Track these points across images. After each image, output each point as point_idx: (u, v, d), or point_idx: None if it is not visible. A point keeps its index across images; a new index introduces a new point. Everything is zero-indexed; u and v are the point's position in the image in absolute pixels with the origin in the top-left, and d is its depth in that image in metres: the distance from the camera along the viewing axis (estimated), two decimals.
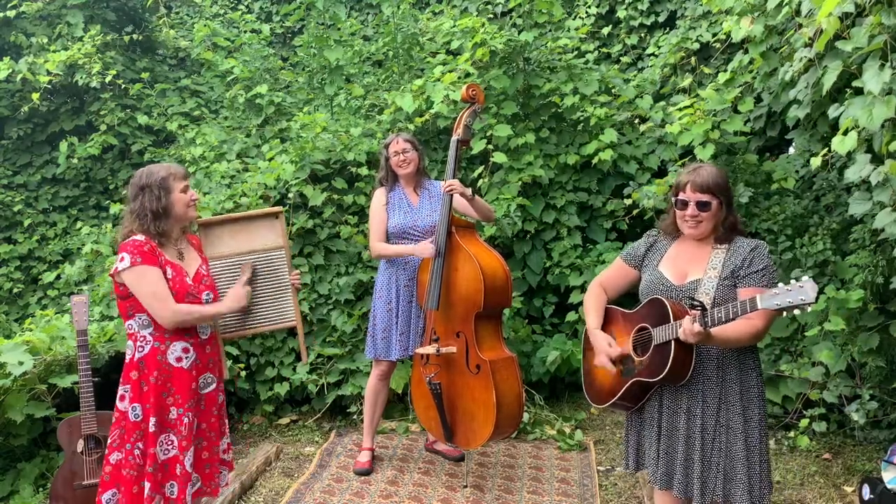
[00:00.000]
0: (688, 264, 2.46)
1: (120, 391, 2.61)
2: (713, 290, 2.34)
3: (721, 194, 2.40)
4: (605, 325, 2.63)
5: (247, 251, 2.97)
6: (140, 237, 2.55)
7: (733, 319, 2.18)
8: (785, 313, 2.06)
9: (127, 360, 2.61)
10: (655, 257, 2.56)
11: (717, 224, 2.42)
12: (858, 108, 2.49)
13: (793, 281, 2.03)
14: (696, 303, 2.24)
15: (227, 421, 2.86)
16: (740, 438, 2.35)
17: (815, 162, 2.87)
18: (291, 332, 4.68)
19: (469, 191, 3.54)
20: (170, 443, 2.60)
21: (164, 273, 2.56)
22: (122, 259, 2.51)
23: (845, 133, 2.61)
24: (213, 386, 2.75)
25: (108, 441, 2.61)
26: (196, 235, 2.89)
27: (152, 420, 2.55)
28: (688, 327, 2.19)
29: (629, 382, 2.45)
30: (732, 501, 2.35)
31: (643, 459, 2.56)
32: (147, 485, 2.54)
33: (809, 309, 2.01)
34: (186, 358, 2.63)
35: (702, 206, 2.39)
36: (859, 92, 2.57)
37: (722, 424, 2.37)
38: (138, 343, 2.58)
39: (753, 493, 2.34)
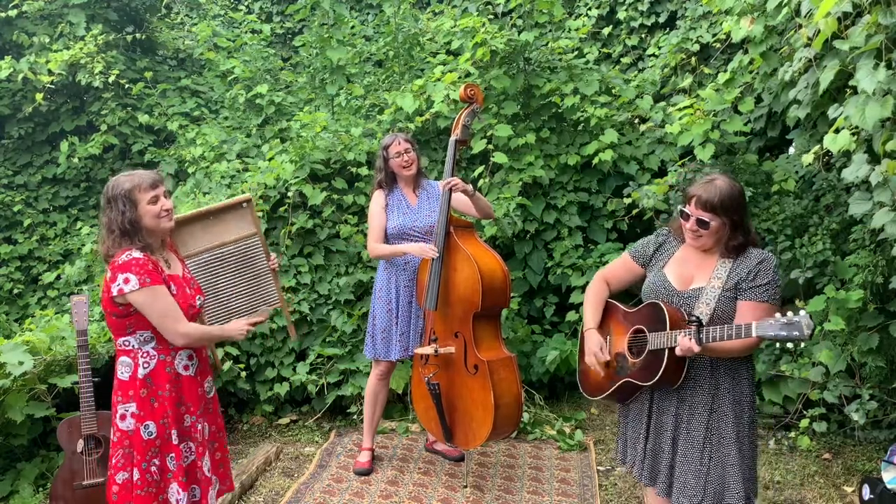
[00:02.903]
0: (693, 270, 2.45)
1: (120, 410, 2.50)
2: (714, 300, 2.34)
3: (726, 215, 2.34)
4: (604, 319, 2.64)
5: (222, 243, 2.96)
6: (138, 254, 2.44)
7: (727, 339, 2.21)
8: (778, 344, 2.09)
9: (126, 378, 2.50)
10: (663, 258, 2.55)
11: (718, 241, 2.40)
12: (852, 107, 2.50)
13: (790, 314, 2.05)
14: (692, 318, 2.25)
15: (222, 416, 2.86)
16: (734, 446, 2.36)
17: (807, 159, 2.87)
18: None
19: (470, 187, 3.53)
20: (189, 450, 2.58)
21: (169, 288, 2.50)
22: (128, 280, 2.39)
23: (837, 131, 2.61)
24: (213, 388, 2.75)
25: (113, 460, 2.52)
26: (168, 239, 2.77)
27: (174, 433, 2.51)
28: (684, 344, 2.21)
29: (621, 381, 2.47)
30: None
31: (627, 454, 2.59)
32: (185, 494, 2.52)
33: (803, 344, 2.05)
34: (192, 365, 2.61)
35: (701, 223, 2.36)
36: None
37: (713, 432, 2.38)
38: (142, 360, 2.50)
39: (747, 500, 2.35)
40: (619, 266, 2.70)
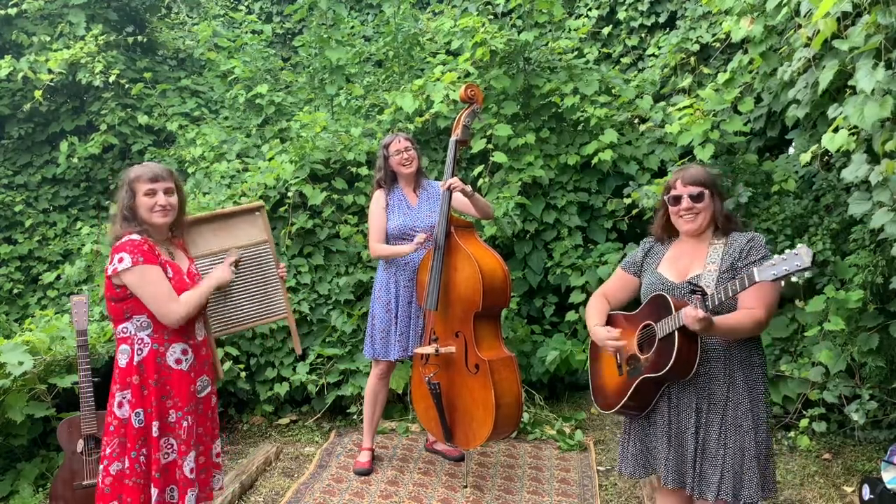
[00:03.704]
0: (687, 263, 2.47)
1: (118, 398, 2.53)
2: (713, 283, 2.34)
3: (713, 187, 2.45)
4: None
5: (231, 247, 2.97)
6: (136, 237, 2.50)
7: (734, 296, 2.19)
8: (783, 283, 2.05)
9: (123, 365, 2.54)
10: (654, 261, 2.57)
11: (713, 216, 2.44)
12: (851, 107, 2.50)
13: (787, 250, 2.03)
14: (696, 288, 2.24)
15: (218, 423, 2.84)
16: (751, 436, 2.35)
17: (805, 158, 2.88)
18: (290, 334, 4.67)
19: (469, 188, 3.54)
20: (169, 447, 2.57)
21: (165, 272, 2.52)
22: (122, 259, 2.45)
23: (836, 131, 2.62)
24: (209, 389, 2.73)
25: (107, 451, 2.52)
26: (180, 238, 2.81)
27: (155, 424, 2.52)
28: (690, 313, 2.18)
29: (637, 381, 2.43)
30: (742, 498, 2.33)
31: (651, 463, 2.53)
32: (155, 491, 2.51)
33: (808, 273, 2.01)
34: (185, 360, 2.60)
35: (695, 197, 2.42)
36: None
37: (729, 423, 2.36)
38: (136, 346, 2.52)
39: (764, 489, 2.35)
40: (615, 281, 2.72)
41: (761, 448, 2.36)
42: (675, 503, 2.58)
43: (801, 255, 1.99)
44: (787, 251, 2.02)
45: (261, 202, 3.14)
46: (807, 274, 2.00)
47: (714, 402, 2.38)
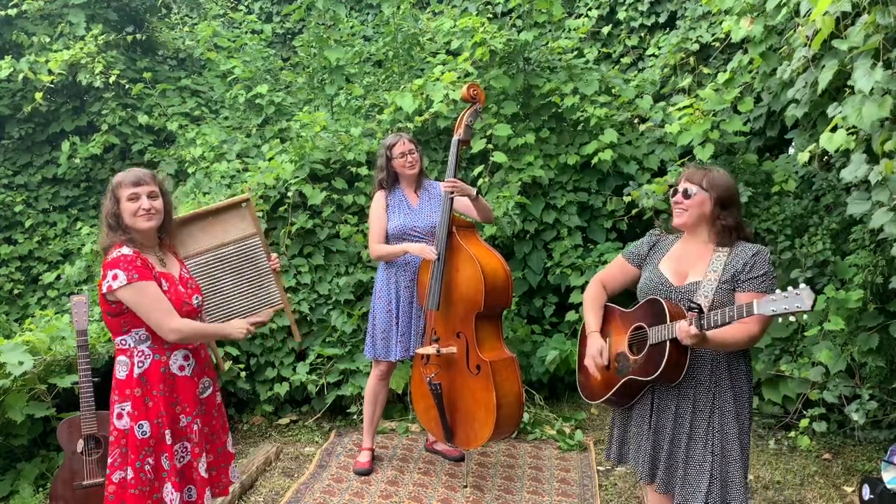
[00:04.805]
0: (689, 265, 2.46)
1: (116, 409, 2.52)
2: (712, 292, 2.34)
3: (713, 190, 2.40)
4: (604, 323, 2.65)
5: (221, 244, 2.93)
6: (127, 251, 2.45)
7: (729, 323, 2.19)
8: (781, 319, 2.08)
9: (122, 377, 2.52)
10: (657, 256, 2.57)
11: (702, 217, 2.42)
12: (850, 107, 2.50)
13: (790, 288, 2.04)
14: (693, 305, 2.25)
15: (226, 418, 2.85)
16: (736, 442, 2.37)
17: (802, 158, 2.88)
18: (290, 332, 4.68)
19: (473, 191, 3.52)
20: (184, 450, 2.58)
21: (160, 285, 2.49)
22: (116, 277, 2.40)
23: (833, 130, 2.62)
24: (211, 389, 2.74)
25: (109, 460, 2.54)
26: (170, 242, 2.75)
27: (167, 432, 2.51)
28: (684, 329, 2.20)
29: (623, 380, 2.47)
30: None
31: (626, 454, 2.59)
32: (177, 495, 2.51)
33: (805, 316, 2.03)
34: (188, 365, 2.60)
35: (685, 193, 2.42)
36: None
37: (716, 428, 2.38)
38: (136, 359, 2.50)
39: (747, 495, 2.37)
40: (615, 269, 2.72)
41: (744, 455, 2.39)
42: (662, 502, 2.60)
43: (802, 297, 2.01)
44: (790, 289, 2.04)
45: (247, 195, 3.10)
46: (805, 317, 2.03)
47: (700, 408, 2.40)
